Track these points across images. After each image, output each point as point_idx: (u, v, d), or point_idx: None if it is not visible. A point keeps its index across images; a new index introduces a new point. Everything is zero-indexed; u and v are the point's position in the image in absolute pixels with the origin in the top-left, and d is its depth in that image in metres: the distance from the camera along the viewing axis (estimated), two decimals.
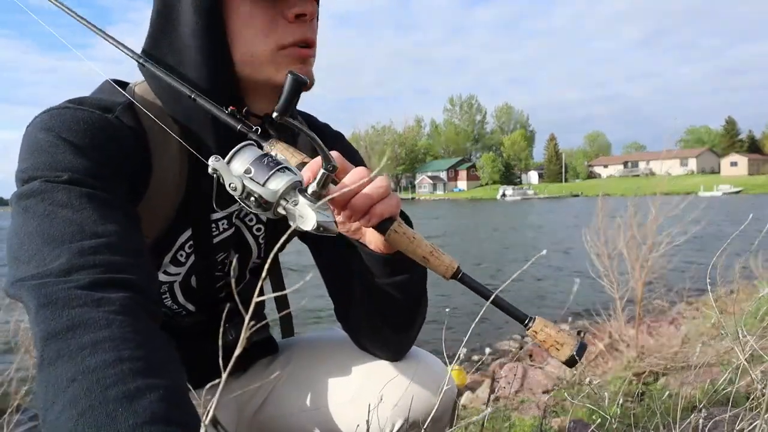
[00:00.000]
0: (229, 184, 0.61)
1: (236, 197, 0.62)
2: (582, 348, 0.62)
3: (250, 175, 0.61)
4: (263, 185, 0.60)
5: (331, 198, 0.62)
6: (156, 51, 0.79)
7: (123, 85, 0.83)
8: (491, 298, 0.66)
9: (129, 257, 0.64)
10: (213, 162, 0.62)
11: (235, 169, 0.62)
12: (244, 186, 0.61)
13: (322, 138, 0.99)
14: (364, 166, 0.74)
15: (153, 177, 0.78)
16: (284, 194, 0.60)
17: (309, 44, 0.77)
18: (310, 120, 0.99)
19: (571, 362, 0.63)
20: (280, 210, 0.61)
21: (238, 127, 0.73)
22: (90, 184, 0.66)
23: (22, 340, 2.15)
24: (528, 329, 0.66)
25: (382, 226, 0.69)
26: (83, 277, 0.59)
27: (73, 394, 0.51)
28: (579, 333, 0.65)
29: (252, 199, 0.61)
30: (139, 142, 0.76)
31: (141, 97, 0.80)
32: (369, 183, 0.68)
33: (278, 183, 0.60)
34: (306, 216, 0.59)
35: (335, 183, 0.66)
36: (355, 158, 0.94)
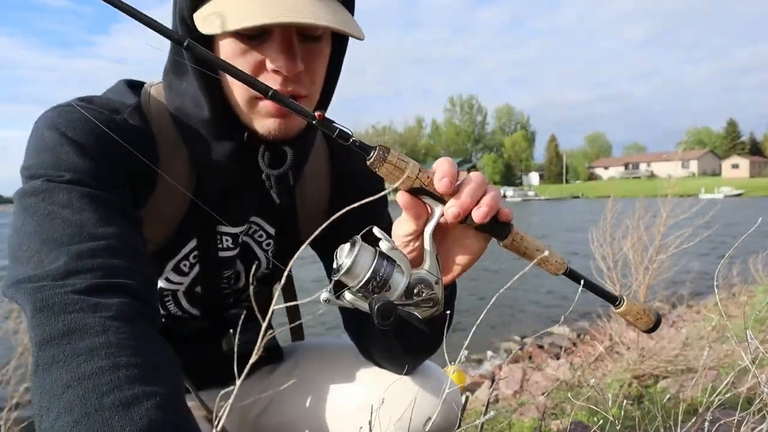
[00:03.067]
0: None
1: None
2: (659, 319, 0.71)
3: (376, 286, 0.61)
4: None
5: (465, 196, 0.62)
6: (170, 91, 0.78)
7: (138, 85, 0.82)
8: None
9: (127, 261, 0.63)
10: (325, 296, 0.61)
11: (362, 272, 0.60)
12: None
13: (338, 148, 0.96)
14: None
15: (159, 181, 0.77)
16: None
17: (294, 98, 0.72)
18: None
19: (651, 330, 0.71)
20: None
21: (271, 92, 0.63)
22: (92, 184, 0.66)
23: (21, 338, 2.14)
24: (618, 309, 0.70)
25: (504, 230, 0.65)
26: (80, 281, 0.58)
27: (68, 400, 0.50)
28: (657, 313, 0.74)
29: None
30: (147, 144, 0.75)
31: (154, 98, 0.79)
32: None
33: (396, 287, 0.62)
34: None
35: (439, 199, 0.63)
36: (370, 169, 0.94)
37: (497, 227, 0.65)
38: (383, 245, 0.60)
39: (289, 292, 1.07)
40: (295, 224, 0.94)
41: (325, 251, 0.96)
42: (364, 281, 0.59)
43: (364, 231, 0.61)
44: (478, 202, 0.62)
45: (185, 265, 0.86)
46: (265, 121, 0.74)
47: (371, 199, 0.64)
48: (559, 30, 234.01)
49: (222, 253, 0.87)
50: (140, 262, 0.66)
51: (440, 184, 0.61)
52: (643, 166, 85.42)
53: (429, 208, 0.64)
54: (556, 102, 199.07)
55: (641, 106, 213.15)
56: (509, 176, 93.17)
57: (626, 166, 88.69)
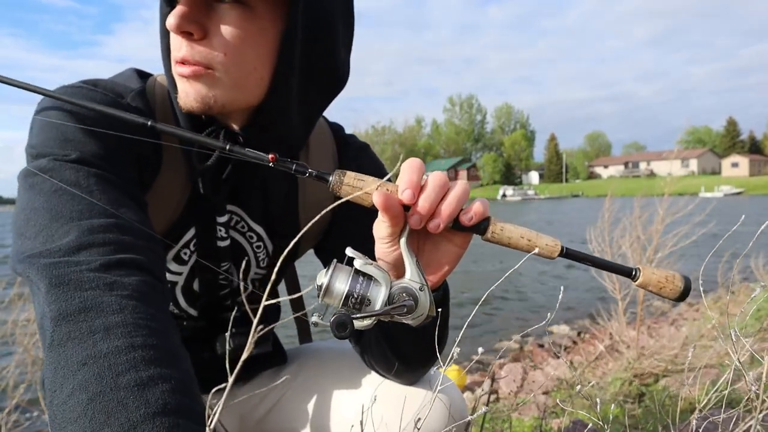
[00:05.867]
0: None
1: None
2: (688, 284, 0.64)
3: (355, 301, 0.61)
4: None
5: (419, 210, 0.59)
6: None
7: (146, 75, 0.82)
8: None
9: (138, 238, 0.62)
10: (314, 320, 0.61)
11: (338, 292, 0.60)
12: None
13: (347, 150, 0.95)
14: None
15: (163, 166, 0.77)
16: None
17: (188, 63, 0.68)
18: (337, 131, 0.96)
19: (682, 298, 0.64)
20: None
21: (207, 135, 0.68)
22: (98, 165, 0.65)
23: (20, 339, 2.14)
24: (636, 281, 0.65)
25: (480, 226, 0.62)
26: (93, 256, 0.57)
27: (83, 378, 0.49)
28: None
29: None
30: (150, 130, 0.75)
31: (160, 84, 0.80)
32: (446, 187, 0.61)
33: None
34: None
35: (407, 208, 0.61)
36: (381, 171, 0.92)
37: (474, 225, 0.62)
38: (357, 262, 0.60)
39: (294, 291, 1.06)
40: (296, 230, 0.92)
41: (326, 258, 0.96)
42: (342, 300, 0.59)
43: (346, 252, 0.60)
44: (441, 201, 0.59)
45: (185, 254, 0.85)
46: (179, 89, 0.70)
47: (352, 197, 0.61)
48: (568, 29, 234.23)
49: (220, 243, 0.86)
50: (150, 239, 0.65)
51: (404, 197, 0.58)
52: (642, 165, 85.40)
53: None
54: (559, 101, 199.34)
55: (642, 106, 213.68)
56: (509, 175, 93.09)
57: (626, 165, 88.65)
